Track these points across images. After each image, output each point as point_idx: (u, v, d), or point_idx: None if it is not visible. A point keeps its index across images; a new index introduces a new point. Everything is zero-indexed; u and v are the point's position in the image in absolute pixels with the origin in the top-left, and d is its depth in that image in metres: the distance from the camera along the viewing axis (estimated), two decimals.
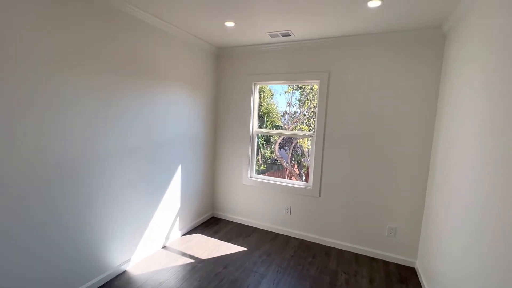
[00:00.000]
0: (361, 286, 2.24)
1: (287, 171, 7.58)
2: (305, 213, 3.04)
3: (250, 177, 3.34)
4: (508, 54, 1.20)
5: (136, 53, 2.23)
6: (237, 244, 2.89)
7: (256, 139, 3.34)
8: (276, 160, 7.82)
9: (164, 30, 2.49)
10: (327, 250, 2.82)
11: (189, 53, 2.89)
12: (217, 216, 3.59)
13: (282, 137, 7.61)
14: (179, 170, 2.89)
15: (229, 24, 2.43)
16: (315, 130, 2.90)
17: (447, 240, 1.77)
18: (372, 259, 2.68)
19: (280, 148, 8.21)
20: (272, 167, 8.69)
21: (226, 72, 3.35)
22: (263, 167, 8.17)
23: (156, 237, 2.66)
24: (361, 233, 2.77)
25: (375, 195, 2.67)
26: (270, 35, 2.69)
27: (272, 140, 8.16)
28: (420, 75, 2.41)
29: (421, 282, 2.29)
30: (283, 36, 2.70)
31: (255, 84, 3.24)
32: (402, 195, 2.56)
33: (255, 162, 3.38)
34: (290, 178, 7.64)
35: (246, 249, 2.79)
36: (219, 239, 2.99)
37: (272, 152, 8.28)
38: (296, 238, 3.06)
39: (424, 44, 2.37)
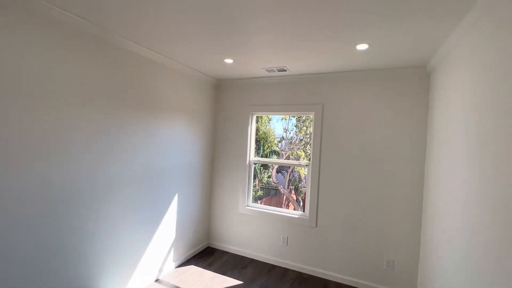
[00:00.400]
0: None
1: (285, 196, 7.52)
2: (302, 244, 2.99)
3: (247, 205, 3.33)
4: (480, 89, 1.30)
5: (140, 87, 2.34)
6: (232, 277, 2.81)
7: (253, 167, 3.38)
8: (274, 184, 7.79)
9: (166, 65, 2.64)
10: (325, 283, 2.75)
11: (189, 85, 3.02)
12: (213, 246, 3.52)
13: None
14: (175, 199, 2.89)
15: (228, 60, 2.58)
16: (311, 160, 2.96)
17: (445, 272, 1.75)
18: None
19: (277, 172, 8.22)
20: (270, 192, 8.63)
21: (224, 102, 3.48)
22: (260, 192, 8.11)
23: (149, 269, 2.59)
24: (359, 265, 2.72)
25: (372, 226, 2.67)
26: (266, 70, 2.85)
27: (269, 164, 8.18)
28: (409, 108, 2.53)
29: None
30: (279, 71, 2.86)
31: (252, 114, 3.35)
32: (398, 227, 2.57)
33: (251, 191, 3.39)
34: (288, 204, 7.56)
35: (242, 282, 2.71)
36: (214, 271, 2.91)
37: (269, 177, 8.27)
38: (293, 270, 2.99)
39: (411, 80, 2.52)
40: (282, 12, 1.58)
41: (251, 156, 3.37)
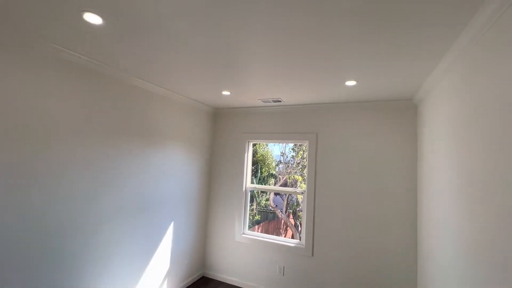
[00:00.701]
0: None
1: (283, 221, 7.42)
2: (298, 274, 2.94)
3: (243, 233, 3.31)
4: (457, 122, 1.39)
5: (138, 117, 2.44)
6: None
7: (249, 194, 3.40)
8: (272, 208, 7.70)
9: (163, 96, 2.76)
10: None
11: (187, 114, 3.14)
12: (208, 276, 3.43)
13: (277, 184, 7.64)
14: (171, 228, 2.88)
15: (226, 93, 2.72)
16: (306, 188, 3.00)
17: None
18: None
19: (275, 194, 8.16)
20: (268, 216, 8.50)
21: (222, 130, 3.58)
22: (257, 217, 7.99)
23: None
24: None
25: (369, 256, 2.65)
26: (262, 101, 2.98)
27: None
28: (399, 137, 2.63)
29: None
30: (274, 102, 2.99)
31: (249, 141, 3.44)
32: (396, 257, 2.55)
33: (248, 218, 3.39)
34: (286, 229, 7.43)
35: None
36: None
37: (267, 200, 8.20)
38: None
39: (399, 111, 2.64)
40: (278, 56, 1.71)
41: (247, 183, 3.41)
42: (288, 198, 7.74)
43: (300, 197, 7.32)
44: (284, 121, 3.20)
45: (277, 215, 7.52)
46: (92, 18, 1.36)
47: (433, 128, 1.98)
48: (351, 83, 2.17)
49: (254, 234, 3.30)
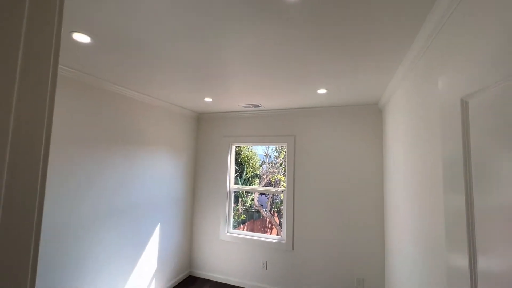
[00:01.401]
0: None
1: (267, 220, 7.63)
2: (280, 268, 3.15)
3: (228, 232, 3.46)
4: (412, 123, 1.64)
5: (123, 124, 2.54)
6: None
7: (232, 195, 3.56)
8: (256, 208, 7.89)
9: (149, 103, 2.87)
10: None
11: (171, 120, 3.25)
12: (195, 275, 3.56)
13: (261, 183, 7.83)
14: (157, 230, 2.99)
15: (208, 99, 2.87)
16: (286, 187, 3.21)
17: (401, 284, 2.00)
18: None
19: (260, 194, 8.37)
20: (253, 216, 8.69)
21: (205, 134, 3.72)
22: (243, 217, 8.15)
23: None
24: (333, 286, 2.91)
25: (343, 248, 2.90)
26: (243, 106, 3.16)
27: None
28: (368, 138, 2.90)
29: None
30: (254, 107, 3.17)
31: (231, 144, 3.61)
32: (366, 247, 2.82)
33: (232, 218, 3.55)
34: (271, 228, 7.65)
35: None
36: None
37: (252, 199, 8.39)
38: None
39: (368, 114, 2.92)
40: (255, 68, 1.90)
41: (231, 184, 3.57)
42: (272, 197, 7.97)
43: (282, 197, 7.57)
44: (264, 124, 3.39)
45: (262, 214, 7.73)
46: (81, 38, 1.47)
47: (393, 130, 2.25)
48: (322, 91, 2.40)
49: (238, 233, 3.47)
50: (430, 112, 1.28)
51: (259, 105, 3.07)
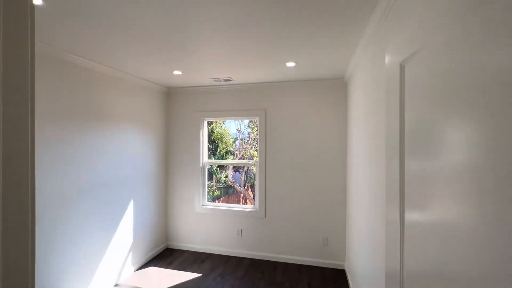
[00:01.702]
0: None
1: (242, 194, 7.89)
2: (254, 234, 3.38)
3: (202, 205, 3.58)
4: (368, 95, 1.82)
5: (91, 100, 2.41)
6: (191, 271, 3.04)
7: (206, 169, 3.63)
8: (231, 184, 8.09)
9: (115, 77, 2.73)
10: (275, 266, 3.17)
11: (141, 95, 3.13)
12: (172, 247, 3.68)
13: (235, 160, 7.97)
14: (131, 205, 2.99)
15: (177, 72, 2.80)
16: (258, 159, 3.35)
17: (356, 243, 2.30)
18: (312, 267, 3.12)
19: (235, 171, 8.55)
20: (228, 191, 8.92)
21: (176, 109, 3.65)
22: (217, 192, 8.32)
23: (109, 274, 2.67)
24: (301, 245, 3.22)
25: (310, 212, 3.19)
26: (214, 80, 3.13)
27: (225, 164, 8.44)
28: (334, 111, 3.10)
29: (348, 281, 2.78)
30: (225, 81, 3.17)
31: (203, 119, 3.60)
32: (330, 210, 3.12)
33: (206, 191, 3.65)
34: (245, 201, 7.95)
35: (201, 274, 2.97)
36: (174, 269, 3.10)
37: (226, 176, 8.55)
38: (248, 258, 3.36)
39: (334, 88, 3.09)
40: (224, 40, 1.89)
41: (204, 159, 3.62)
42: (246, 172, 8.20)
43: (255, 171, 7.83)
44: (235, 99, 3.42)
45: (236, 189, 7.97)
46: None
47: (354, 102, 2.44)
48: (291, 64, 2.48)
49: (213, 205, 3.60)
50: (381, 83, 1.43)
51: (230, 78, 3.07)
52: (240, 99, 3.41)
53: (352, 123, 2.58)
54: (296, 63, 2.45)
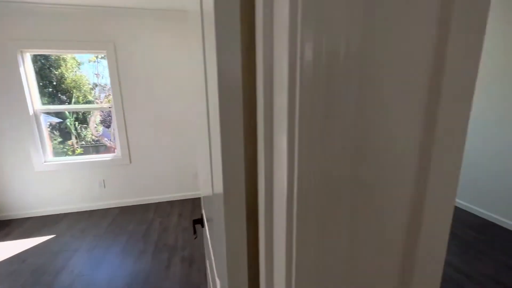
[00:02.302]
0: (172, 221, 2.83)
1: (113, 148, 7.04)
2: (121, 182, 3.18)
3: (45, 161, 2.94)
4: None
5: None
6: (41, 235, 2.61)
7: (42, 117, 2.89)
8: (97, 139, 6.98)
9: None
10: (147, 208, 3.19)
11: None
12: (6, 219, 2.95)
13: (97, 113, 6.82)
14: None
15: None
16: (113, 102, 2.96)
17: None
18: (184, 200, 3.36)
19: (106, 127, 7.34)
20: (98, 149, 7.71)
21: None
22: (79, 150, 7.07)
23: None
24: (172, 183, 3.34)
25: (178, 151, 3.26)
26: None
27: (88, 118, 7.10)
28: (191, 45, 3.04)
29: None
30: None
31: (22, 52, 2.69)
32: (194, 145, 3.31)
33: (47, 144, 2.97)
34: None
35: (54, 235, 2.61)
36: (13, 239, 2.55)
37: (93, 134, 7.26)
38: (115, 207, 3.19)
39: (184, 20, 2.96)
40: None
41: (36, 105, 2.84)
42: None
43: None
44: (72, 25, 2.70)
45: (106, 145, 6.98)
46: None
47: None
48: None
49: (61, 159, 3.03)
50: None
51: None
52: (78, 26, 2.71)
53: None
54: None
